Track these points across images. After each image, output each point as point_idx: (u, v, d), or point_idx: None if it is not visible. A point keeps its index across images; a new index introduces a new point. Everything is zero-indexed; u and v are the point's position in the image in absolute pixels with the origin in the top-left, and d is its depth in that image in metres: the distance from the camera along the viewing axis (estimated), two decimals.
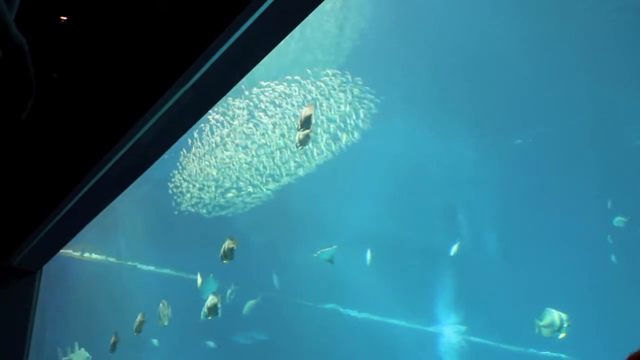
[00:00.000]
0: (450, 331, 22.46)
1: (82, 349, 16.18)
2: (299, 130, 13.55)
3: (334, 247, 15.84)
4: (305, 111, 13.20)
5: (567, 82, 16.08)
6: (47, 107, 2.68)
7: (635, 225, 17.75)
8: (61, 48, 2.54)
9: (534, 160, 17.77)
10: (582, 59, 15.66)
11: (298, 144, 13.98)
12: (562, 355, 22.00)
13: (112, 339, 16.10)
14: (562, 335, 14.06)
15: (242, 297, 20.65)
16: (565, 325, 14.04)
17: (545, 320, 14.07)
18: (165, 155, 3.32)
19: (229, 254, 14.43)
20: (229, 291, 19.23)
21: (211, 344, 20.44)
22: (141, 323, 15.87)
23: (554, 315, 14.00)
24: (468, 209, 19.27)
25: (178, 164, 18.20)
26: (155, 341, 20.29)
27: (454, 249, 18.81)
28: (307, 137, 13.77)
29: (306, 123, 13.21)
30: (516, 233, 19.42)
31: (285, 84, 16.45)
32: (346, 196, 19.41)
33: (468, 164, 18.28)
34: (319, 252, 15.82)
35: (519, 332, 21.55)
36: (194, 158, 17.95)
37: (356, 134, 17.07)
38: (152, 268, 21.42)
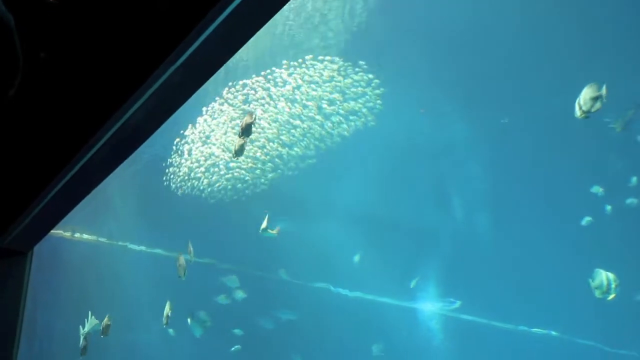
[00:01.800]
0: (442, 309, 22.58)
1: (93, 317, 16.23)
2: (239, 137, 13.80)
3: (277, 229, 16.23)
4: (246, 119, 13.40)
5: (559, 59, 16.09)
6: (35, 86, 2.66)
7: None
8: (48, 26, 2.51)
9: (525, 138, 17.80)
10: (572, 36, 15.66)
11: (234, 154, 14.23)
12: (553, 332, 22.17)
13: (82, 343, 16.14)
14: (611, 297, 14.09)
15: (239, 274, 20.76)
16: (613, 286, 14.09)
17: (596, 281, 14.15)
18: (156, 136, 3.30)
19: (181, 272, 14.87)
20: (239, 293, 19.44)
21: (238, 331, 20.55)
22: (108, 326, 15.92)
23: (602, 277, 14.06)
24: (459, 187, 19.32)
25: (173, 146, 18.16)
26: (171, 331, 20.38)
27: (413, 283, 19.33)
28: (242, 147, 14.03)
29: (247, 131, 13.43)
30: (507, 211, 19.48)
31: (284, 68, 16.46)
32: (338, 176, 19.42)
33: (460, 142, 18.30)
34: (262, 229, 16.16)
35: (509, 310, 21.70)
36: (190, 141, 17.94)
37: (369, 119, 17.15)
38: (143, 248, 21.43)
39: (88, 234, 20.80)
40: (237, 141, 13.91)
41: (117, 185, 18.03)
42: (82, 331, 16.53)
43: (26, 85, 1.96)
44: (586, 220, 17.95)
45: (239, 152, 14.10)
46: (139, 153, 3.46)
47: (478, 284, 20.60)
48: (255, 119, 14.46)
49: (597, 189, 17.34)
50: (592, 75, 16.01)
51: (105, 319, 15.97)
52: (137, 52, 2.48)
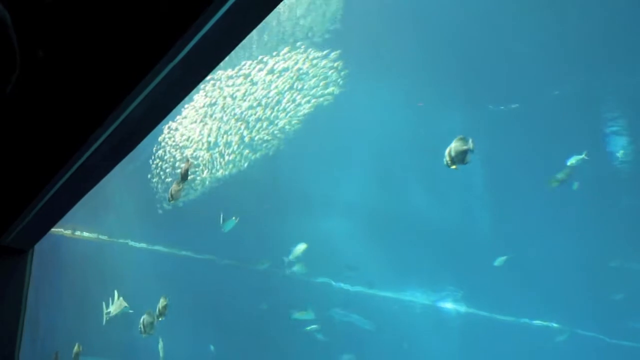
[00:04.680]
0: (443, 303, 22.61)
1: (121, 298, 16.32)
2: (178, 182, 14.56)
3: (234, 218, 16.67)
4: (185, 166, 14.27)
5: (554, 51, 16.07)
6: (34, 84, 2.65)
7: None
8: (46, 23, 2.51)
9: (521, 128, 17.78)
10: (569, 25, 15.64)
11: (170, 199, 14.92)
12: (554, 324, 22.21)
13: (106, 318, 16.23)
14: None
15: (238, 272, 20.76)
16: None
17: None
18: (155, 132, 3.31)
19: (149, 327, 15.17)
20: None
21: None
22: (77, 354, 16.04)
23: None
24: (459, 180, 19.30)
25: (159, 139, 18.11)
26: (212, 347, 20.48)
27: None
28: (179, 192, 14.69)
29: (185, 176, 14.21)
30: (506, 203, 19.49)
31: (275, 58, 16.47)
32: (336, 171, 19.43)
33: (455, 133, 18.26)
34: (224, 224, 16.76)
35: (511, 303, 21.74)
36: (179, 132, 17.92)
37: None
38: (143, 245, 21.44)
39: (88, 232, 20.81)
40: (173, 187, 14.63)
41: (117, 182, 18.02)
42: (105, 310, 16.63)
43: (25, 83, 1.95)
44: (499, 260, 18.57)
45: (176, 196, 14.77)
46: (139, 150, 3.47)
47: (479, 278, 20.63)
48: (191, 165, 15.32)
49: (575, 185, 17.45)
50: (589, 66, 16.05)
51: (76, 347, 16.08)
52: (136, 49, 2.47)
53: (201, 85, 16.52)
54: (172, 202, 15.35)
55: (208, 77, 16.36)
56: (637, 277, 19.37)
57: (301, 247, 18.30)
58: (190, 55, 2.40)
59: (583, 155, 16.46)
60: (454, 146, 11.67)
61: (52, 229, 4.73)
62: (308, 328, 20.31)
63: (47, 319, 18.29)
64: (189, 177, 14.95)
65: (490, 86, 17.16)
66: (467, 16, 16.02)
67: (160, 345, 16.70)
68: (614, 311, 20.36)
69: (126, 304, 16.23)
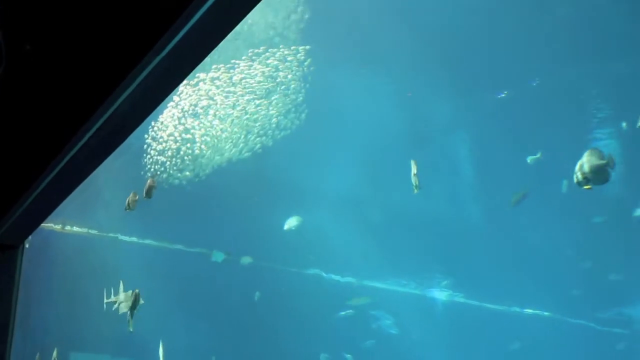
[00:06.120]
0: (434, 292, 22.68)
1: (128, 292, 16.27)
2: (135, 193, 14.97)
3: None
4: (149, 183, 14.64)
5: (545, 40, 16.10)
6: (22, 79, 2.64)
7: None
8: (32, 18, 2.50)
9: (510, 117, 17.82)
10: (556, 17, 15.67)
11: (127, 207, 15.27)
12: (545, 313, 22.31)
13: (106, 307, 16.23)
14: None
15: (229, 265, 20.74)
16: None
17: None
18: (144, 125, 3.30)
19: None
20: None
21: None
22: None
23: None
24: (448, 170, 19.35)
25: (151, 133, 18.07)
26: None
27: None
28: (135, 202, 15.11)
29: (149, 193, 14.53)
30: (497, 194, 19.54)
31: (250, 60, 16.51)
32: (325, 162, 19.43)
33: (443, 122, 18.30)
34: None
35: (501, 291, 21.82)
36: (168, 126, 17.89)
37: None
38: (134, 239, 21.40)
39: (78, 227, 20.75)
40: (131, 196, 14.97)
41: (107, 176, 17.97)
42: (105, 300, 16.58)
43: (12, 78, 1.94)
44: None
45: (132, 206, 15.10)
46: (128, 143, 3.46)
47: (469, 267, 20.69)
48: (156, 183, 15.71)
49: (565, 185, 17.55)
50: (579, 56, 16.08)
51: (55, 352, 16.11)
52: (123, 42, 2.46)
53: (181, 88, 16.56)
54: (127, 210, 15.60)
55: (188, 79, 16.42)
56: (628, 264, 19.48)
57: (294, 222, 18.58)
58: (177, 47, 2.39)
59: (538, 155, 16.72)
60: (412, 170, 12.99)
61: (42, 224, 4.72)
62: (343, 313, 20.58)
63: (38, 315, 18.25)
64: (151, 196, 15.26)
65: (479, 75, 17.18)
66: (453, 6, 16.03)
67: (160, 348, 16.71)
68: (604, 299, 20.47)
69: (142, 301, 16.17)
